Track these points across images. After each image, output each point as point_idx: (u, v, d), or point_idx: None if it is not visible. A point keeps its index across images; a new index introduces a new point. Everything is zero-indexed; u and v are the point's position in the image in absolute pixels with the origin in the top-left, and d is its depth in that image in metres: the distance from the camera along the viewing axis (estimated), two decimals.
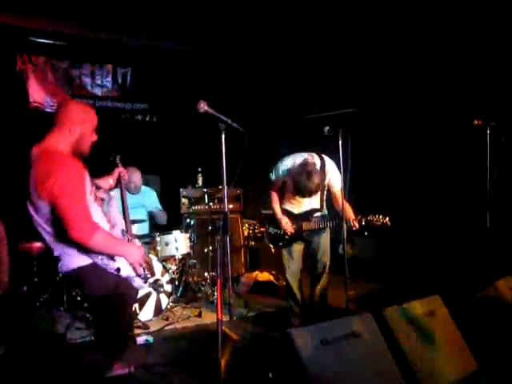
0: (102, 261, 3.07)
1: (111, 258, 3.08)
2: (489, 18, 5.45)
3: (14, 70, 6.94)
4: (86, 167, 3.18)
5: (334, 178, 4.77)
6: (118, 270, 3.10)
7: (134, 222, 5.98)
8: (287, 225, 4.85)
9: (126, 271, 3.15)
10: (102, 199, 3.36)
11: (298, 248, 4.95)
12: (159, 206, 6.39)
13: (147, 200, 6.31)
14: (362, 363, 3.17)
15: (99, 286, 3.14)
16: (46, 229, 3.07)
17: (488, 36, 5.52)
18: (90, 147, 3.31)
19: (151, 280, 5.35)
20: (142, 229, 6.19)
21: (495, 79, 5.53)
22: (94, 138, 3.33)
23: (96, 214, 3.13)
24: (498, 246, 4.73)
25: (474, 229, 5.09)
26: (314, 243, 4.89)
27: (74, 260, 3.08)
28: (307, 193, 4.62)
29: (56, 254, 3.12)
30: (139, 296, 5.22)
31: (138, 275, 3.24)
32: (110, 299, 3.16)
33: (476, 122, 4.64)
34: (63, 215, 2.88)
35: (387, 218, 4.51)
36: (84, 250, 3.01)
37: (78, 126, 3.17)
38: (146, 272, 3.36)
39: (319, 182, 4.62)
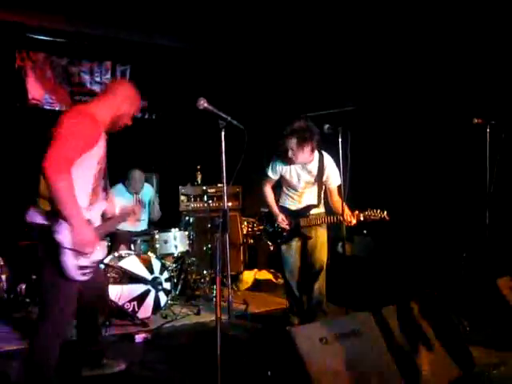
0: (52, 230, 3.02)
1: (58, 232, 3.01)
2: (488, 16, 5.44)
3: (13, 67, 6.91)
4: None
5: (333, 174, 4.77)
6: (61, 243, 3.01)
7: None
8: (283, 221, 4.85)
9: (69, 245, 3.03)
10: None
11: (296, 245, 4.95)
12: (157, 200, 6.43)
13: (146, 197, 6.32)
14: (361, 362, 3.18)
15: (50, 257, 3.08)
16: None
17: (488, 34, 5.51)
18: (122, 128, 3.55)
19: (149, 277, 5.35)
20: (140, 225, 6.19)
21: (495, 78, 5.53)
22: (130, 122, 3.57)
23: (83, 181, 3.15)
24: (497, 244, 4.73)
25: (473, 227, 5.08)
26: (312, 240, 4.88)
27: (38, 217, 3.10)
28: (307, 183, 4.65)
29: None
30: (138, 294, 5.22)
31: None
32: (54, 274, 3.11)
33: (476, 121, 4.64)
34: (49, 148, 2.95)
35: (385, 212, 4.50)
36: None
37: (126, 104, 3.43)
38: (91, 266, 3.22)
39: (317, 176, 4.64)
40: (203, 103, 3.11)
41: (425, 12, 5.83)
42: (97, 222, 3.32)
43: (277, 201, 5.00)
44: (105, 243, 3.38)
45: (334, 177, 4.77)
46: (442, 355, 3.59)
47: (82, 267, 3.13)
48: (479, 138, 4.64)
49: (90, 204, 3.25)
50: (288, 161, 4.74)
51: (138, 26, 7.19)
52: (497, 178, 4.60)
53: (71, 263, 3.07)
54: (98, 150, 3.21)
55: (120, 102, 3.40)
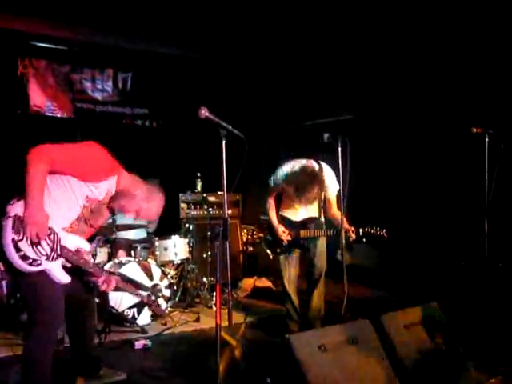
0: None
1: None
2: (487, 26, 5.47)
3: (15, 74, 6.95)
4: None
5: (331, 185, 4.79)
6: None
7: (132, 227, 6.00)
8: (284, 234, 4.87)
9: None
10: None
11: (295, 255, 4.96)
12: None
13: None
14: (360, 369, 3.18)
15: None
16: None
17: (487, 44, 5.54)
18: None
19: (149, 284, 5.37)
20: (139, 233, 6.20)
21: (494, 87, 5.55)
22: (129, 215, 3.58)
23: (64, 193, 3.21)
24: (496, 253, 4.74)
25: (472, 236, 5.09)
26: (311, 250, 4.90)
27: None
28: (307, 199, 4.65)
29: None
30: (138, 301, 5.23)
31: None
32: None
33: (475, 130, 4.65)
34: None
35: (384, 230, 4.53)
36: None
37: (145, 210, 3.58)
38: (37, 254, 3.14)
39: (318, 190, 4.65)
40: (204, 112, 3.11)
41: (423, 19, 5.87)
42: (65, 243, 3.29)
43: (278, 210, 5.01)
44: (61, 262, 3.27)
45: (332, 187, 4.79)
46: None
47: (25, 256, 3.09)
48: (478, 147, 4.66)
49: (69, 229, 3.31)
50: (293, 193, 4.75)
51: (140, 34, 7.24)
52: (495, 188, 4.62)
53: (12, 246, 3.06)
54: (95, 191, 3.30)
55: (142, 205, 3.51)
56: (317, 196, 4.73)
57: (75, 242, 3.36)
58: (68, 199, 3.25)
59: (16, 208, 3.10)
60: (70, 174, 3.19)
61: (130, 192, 3.49)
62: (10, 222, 3.06)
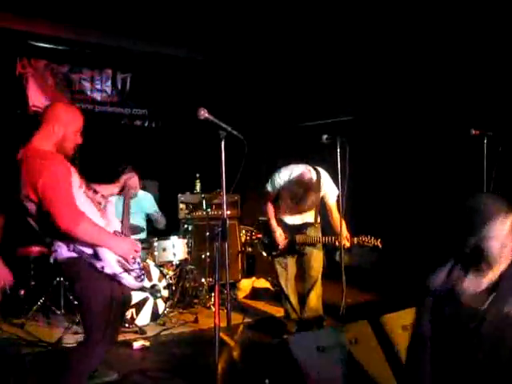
0: (87, 259, 3.07)
1: (95, 256, 3.06)
2: (487, 28, 5.48)
3: (14, 74, 6.95)
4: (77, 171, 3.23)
5: (330, 191, 4.80)
6: (102, 268, 3.06)
7: (133, 232, 6.00)
8: (280, 237, 4.88)
9: (112, 269, 3.09)
10: (99, 203, 3.37)
11: (290, 258, 4.98)
12: (158, 209, 6.39)
13: (145, 204, 6.31)
14: (359, 370, 3.19)
15: (87, 281, 3.12)
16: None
17: (486, 46, 5.55)
18: (74, 149, 3.34)
19: (148, 285, 5.37)
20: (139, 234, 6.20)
21: (493, 89, 5.56)
22: (79, 140, 3.34)
23: (87, 208, 3.13)
24: None
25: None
26: (307, 256, 4.91)
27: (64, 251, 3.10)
28: (303, 209, 4.69)
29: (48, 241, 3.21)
30: (136, 301, 5.24)
31: (128, 270, 3.15)
32: (95, 298, 3.13)
33: (473, 132, 4.66)
34: (50, 208, 2.95)
35: (379, 240, 4.55)
36: (72, 243, 3.05)
37: (62, 127, 3.24)
38: (139, 268, 3.28)
39: (314, 199, 4.68)
40: (204, 113, 3.12)
41: (423, 21, 5.88)
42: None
43: (276, 213, 5.02)
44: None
45: (331, 192, 4.81)
46: None
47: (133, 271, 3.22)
48: (476, 149, 4.67)
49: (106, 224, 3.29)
50: (289, 202, 4.79)
51: (139, 35, 7.24)
52: (494, 189, 4.62)
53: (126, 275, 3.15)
54: (75, 179, 3.17)
55: (55, 126, 3.24)
56: (312, 205, 4.78)
57: (113, 227, 3.41)
58: (93, 211, 3.22)
59: (106, 260, 3.09)
60: (71, 195, 3.08)
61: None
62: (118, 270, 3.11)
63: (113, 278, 3.11)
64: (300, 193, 4.67)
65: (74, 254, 3.08)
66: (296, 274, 5.01)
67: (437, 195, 6.14)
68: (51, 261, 3.21)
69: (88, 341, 3.20)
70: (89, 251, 3.07)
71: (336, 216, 4.80)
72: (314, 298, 4.90)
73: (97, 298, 3.12)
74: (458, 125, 5.43)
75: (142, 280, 3.28)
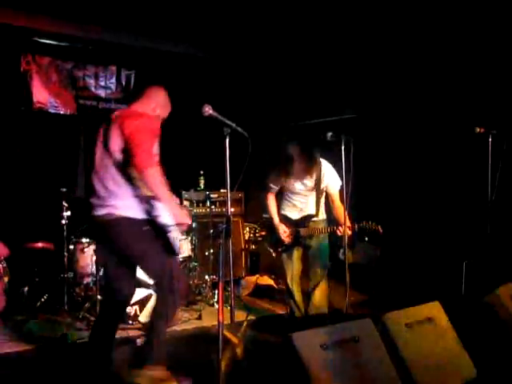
0: (150, 213, 3.57)
1: (152, 208, 3.58)
2: (490, 26, 5.47)
3: (18, 71, 6.93)
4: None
5: (332, 180, 4.79)
6: (156, 217, 3.58)
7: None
8: (284, 234, 4.88)
9: (165, 219, 3.57)
10: None
11: (297, 253, 4.97)
12: None
13: None
14: (362, 368, 3.19)
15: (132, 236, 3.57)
16: (105, 179, 3.60)
17: (490, 44, 5.53)
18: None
19: (152, 281, 5.37)
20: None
21: (497, 87, 5.55)
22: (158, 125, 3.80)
23: None
24: (498, 253, 4.74)
25: (474, 236, 5.10)
26: (313, 249, 4.90)
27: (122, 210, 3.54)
28: (300, 174, 4.76)
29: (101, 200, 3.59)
30: (140, 298, 5.24)
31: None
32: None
33: (478, 130, 4.65)
34: (134, 146, 3.45)
35: (379, 226, 4.55)
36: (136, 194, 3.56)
37: (159, 109, 3.86)
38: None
39: (312, 171, 4.70)
40: (208, 110, 3.12)
41: (426, 19, 5.86)
42: None
43: (278, 208, 5.03)
44: None
45: (333, 182, 4.80)
46: (456, 355, 3.61)
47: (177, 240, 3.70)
48: (481, 147, 4.66)
49: None
50: (289, 168, 4.79)
51: (144, 32, 7.23)
52: (498, 187, 4.62)
53: (175, 238, 3.64)
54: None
55: (154, 107, 3.83)
56: (310, 175, 4.78)
57: None
58: None
59: (165, 216, 3.62)
60: (153, 145, 3.65)
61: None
62: (174, 231, 3.63)
63: (160, 231, 3.58)
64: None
65: (126, 215, 3.52)
66: (301, 270, 5.00)
67: (441, 193, 6.13)
68: (92, 218, 3.62)
69: (161, 288, 3.66)
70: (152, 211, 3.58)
71: (338, 205, 4.78)
72: (319, 296, 4.88)
73: (142, 243, 3.58)
74: (463, 123, 5.43)
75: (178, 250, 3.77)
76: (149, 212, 3.59)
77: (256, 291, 6.67)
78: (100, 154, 3.69)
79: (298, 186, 4.86)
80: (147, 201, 3.59)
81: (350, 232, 4.61)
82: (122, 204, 3.55)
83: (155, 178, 3.45)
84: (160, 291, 3.72)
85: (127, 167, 3.53)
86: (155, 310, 3.80)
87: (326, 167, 4.82)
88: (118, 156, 3.56)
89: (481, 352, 3.80)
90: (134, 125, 3.53)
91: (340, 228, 4.55)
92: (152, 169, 3.45)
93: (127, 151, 3.49)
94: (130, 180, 3.57)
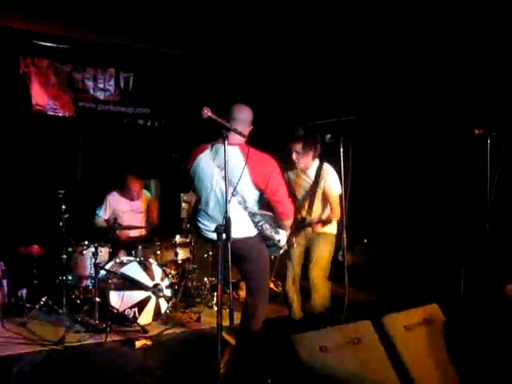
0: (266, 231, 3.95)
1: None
2: (490, 27, 5.47)
3: (17, 73, 6.94)
4: None
5: (332, 182, 4.78)
6: (279, 241, 4.06)
7: (131, 227, 6.01)
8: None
9: (283, 242, 4.12)
10: None
11: (297, 253, 4.96)
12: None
13: (143, 205, 6.35)
14: (361, 370, 3.18)
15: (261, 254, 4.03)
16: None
17: (489, 46, 5.54)
18: None
19: (150, 284, 5.37)
20: (141, 232, 6.22)
21: (496, 89, 5.55)
22: None
23: None
24: (497, 255, 4.74)
25: (473, 237, 5.10)
26: (313, 250, 4.90)
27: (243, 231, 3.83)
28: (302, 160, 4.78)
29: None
30: (139, 300, 5.24)
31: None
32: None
33: (477, 132, 4.65)
34: (280, 200, 3.88)
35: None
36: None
37: (249, 128, 4.00)
38: None
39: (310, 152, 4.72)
40: (207, 112, 3.11)
41: (426, 21, 5.87)
42: None
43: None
44: None
45: (333, 184, 4.78)
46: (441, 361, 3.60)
47: None
48: (480, 149, 4.66)
49: None
50: (290, 165, 4.80)
51: (142, 34, 7.24)
52: (497, 189, 4.62)
53: None
54: None
55: (248, 127, 4.04)
56: (312, 164, 4.79)
57: None
58: None
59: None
60: None
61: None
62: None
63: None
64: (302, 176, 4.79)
65: (252, 233, 3.89)
66: (300, 273, 5.00)
67: (440, 195, 6.13)
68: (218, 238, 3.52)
69: (255, 298, 4.18)
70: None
71: (334, 207, 4.79)
72: (318, 298, 4.88)
73: (266, 262, 4.09)
74: (462, 124, 5.43)
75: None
76: None
77: None
78: None
79: (296, 191, 4.85)
80: None
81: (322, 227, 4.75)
82: None
83: (290, 222, 4.10)
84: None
85: None
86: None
87: (328, 170, 4.81)
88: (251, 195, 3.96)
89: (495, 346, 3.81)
90: (272, 176, 3.87)
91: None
92: (291, 218, 4.10)
93: (269, 200, 3.99)
94: None
